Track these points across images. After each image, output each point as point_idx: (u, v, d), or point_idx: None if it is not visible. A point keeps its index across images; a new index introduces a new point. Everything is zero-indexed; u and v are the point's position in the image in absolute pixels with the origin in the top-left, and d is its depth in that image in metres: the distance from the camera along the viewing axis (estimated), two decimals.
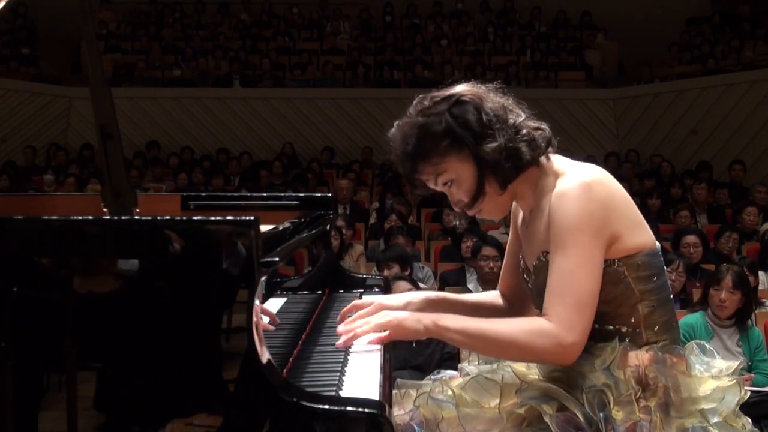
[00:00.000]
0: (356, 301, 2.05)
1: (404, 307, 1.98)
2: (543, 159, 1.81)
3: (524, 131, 1.77)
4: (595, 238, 1.68)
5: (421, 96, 1.83)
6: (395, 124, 1.83)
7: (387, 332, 1.78)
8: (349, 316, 1.93)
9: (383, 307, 1.92)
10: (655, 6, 13.56)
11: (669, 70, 12.26)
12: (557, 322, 1.67)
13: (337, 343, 1.84)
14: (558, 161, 1.82)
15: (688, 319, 4.29)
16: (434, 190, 1.86)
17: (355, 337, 1.80)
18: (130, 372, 1.47)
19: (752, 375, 4.15)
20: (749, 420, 1.80)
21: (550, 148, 1.81)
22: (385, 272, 4.92)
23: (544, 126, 1.82)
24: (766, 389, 4.09)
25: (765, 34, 12.13)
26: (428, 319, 1.77)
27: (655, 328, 1.79)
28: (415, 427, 1.83)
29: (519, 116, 1.80)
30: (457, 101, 1.77)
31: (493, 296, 2.18)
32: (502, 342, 1.71)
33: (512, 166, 1.76)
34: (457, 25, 13.66)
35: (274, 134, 11.78)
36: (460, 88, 1.81)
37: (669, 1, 13.59)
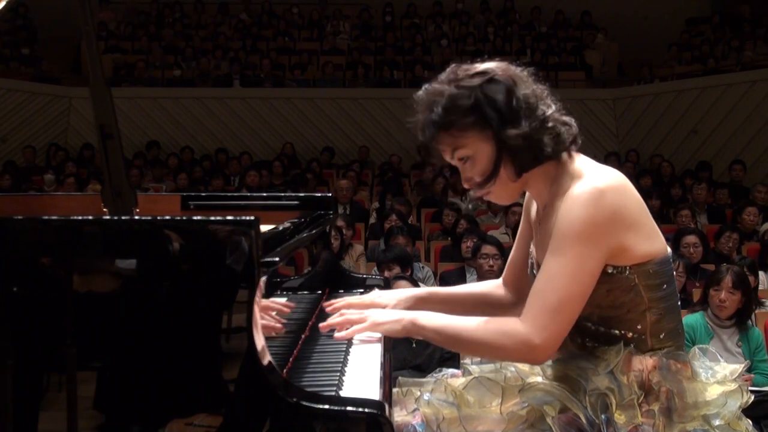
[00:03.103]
0: (349, 299, 2.06)
1: (395, 305, 1.99)
2: (565, 156, 1.78)
3: (551, 124, 1.74)
4: (593, 247, 1.66)
5: (455, 65, 1.80)
6: (423, 87, 1.80)
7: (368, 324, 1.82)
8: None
9: (372, 305, 1.96)
10: (655, 6, 13.56)
11: (669, 70, 12.26)
12: (529, 322, 1.66)
13: (320, 325, 1.92)
14: (580, 162, 1.79)
15: (688, 319, 4.28)
16: (448, 163, 1.84)
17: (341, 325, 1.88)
18: (130, 372, 1.47)
19: (752, 375, 4.15)
20: (750, 422, 1.79)
21: (573, 146, 1.79)
22: (386, 273, 4.92)
23: (572, 122, 1.79)
24: (766, 389, 4.08)
25: (765, 34, 12.14)
26: (407, 318, 1.80)
27: (661, 336, 1.77)
28: (417, 427, 1.83)
29: (549, 107, 1.77)
30: (491, 79, 1.74)
31: (489, 287, 2.16)
32: (475, 342, 1.73)
33: (532, 156, 1.74)
34: (457, 25, 13.66)
35: (274, 134, 11.78)
36: (495, 65, 1.78)
37: (669, 1, 13.59)
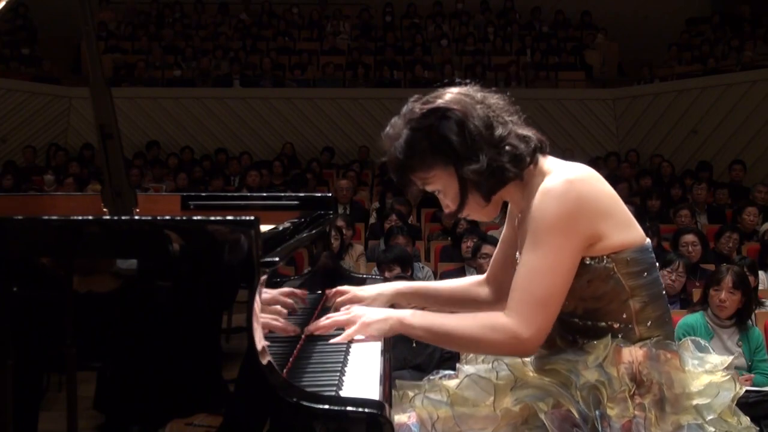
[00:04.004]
0: (338, 288, 2.15)
1: (375, 298, 2.07)
2: (531, 166, 1.82)
3: (508, 148, 1.78)
4: (569, 239, 1.70)
5: (415, 97, 1.86)
6: (389, 124, 1.86)
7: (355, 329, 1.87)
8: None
9: (357, 299, 2.05)
10: (655, 6, 13.56)
11: (669, 70, 12.26)
12: (516, 317, 1.71)
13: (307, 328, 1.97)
14: (548, 162, 1.83)
15: (688, 319, 4.29)
16: (427, 191, 1.91)
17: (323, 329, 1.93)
18: (130, 372, 1.47)
19: (752, 375, 4.15)
20: (748, 419, 1.80)
21: (538, 156, 1.82)
22: (386, 273, 4.91)
23: (531, 134, 1.83)
24: (766, 389, 4.09)
25: (765, 34, 12.14)
26: (395, 317, 1.85)
27: (648, 324, 1.79)
28: (411, 428, 1.84)
29: (506, 126, 1.80)
30: (443, 116, 1.78)
31: (471, 283, 2.21)
32: (464, 338, 1.77)
33: (496, 182, 1.80)
34: (457, 25, 13.67)
35: (274, 134, 11.78)
36: (449, 98, 1.82)
37: (669, 1, 13.59)
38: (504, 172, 1.78)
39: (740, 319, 4.25)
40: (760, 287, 5.44)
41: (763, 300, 5.15)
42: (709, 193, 8.59)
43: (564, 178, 1.73)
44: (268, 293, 1.64)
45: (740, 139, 10.79)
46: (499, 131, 1.79)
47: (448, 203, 1.87)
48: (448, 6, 13.84)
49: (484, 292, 2.16)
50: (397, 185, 1.91)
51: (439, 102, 1.81)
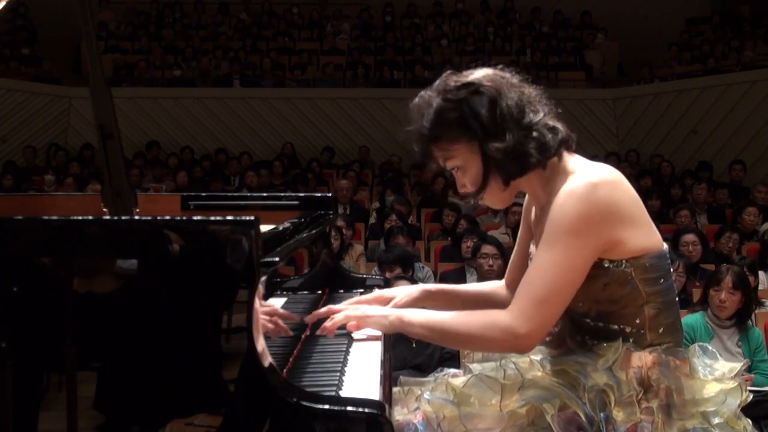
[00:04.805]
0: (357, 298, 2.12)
1: (402, 298, 2.06)
2: (555, 159, 1.80)
3: (535, 134, 1.76)
4: (584, 241, 1.69)
5: (450, 72, 1.85)
6: (418, 95, 1.85)
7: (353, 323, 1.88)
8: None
9: (383, 299, 2.04)
10: (655, 6, 13.57)
11: (669, 70, 12.26)
12: (515, 312, 1.70)
13: (306, 317, 1.99)
14: (573, 161, 1.82)
15: (688, 319, 4.28)
16: (445, 168, 1.89)
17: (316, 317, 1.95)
18: (130, 372, 1.47)
19: (752, 375, 4.15)
20: (749, 422, 1.80)
21: (562, 150, 1.80)
22: (387, 273, 4.91)
23: (561, 127, 1.81)
24: (766, 389, 4.08)
25: (765, 34, 12.14)
26: (394, 315, 1.85)
27: (660, 330, 1.79)
28: (418, 426, 1.83)
29: (537, 114, 1.79)
30: (476, 91, 1.77)
31: (495, 287, 2.21)
32: (461, 334, 1.77)
33: (518, 166, 1.78)
34: (457, 25, 13.67)
35: (274, 134, 11.78)
36: (482, 75, 1.81)
37: (669, 1, 13.60)
38: (528, 157, 1.76)
39: (740, 320, 4.25)
40: (760, 287, 5.43)
41: (763, 300, 5.15)
42: (709, 193, 8.59)
43: (587, 181, 1.71)
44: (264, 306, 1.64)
45: (740, 139, 10.79)
46: (530, 117, 1.78)
47: (465, 182, 1.84)
48: (448, 6, 13.84)
49: (507, 295, 2.14)
50: (419, 155, 1.87)
51: (474, 77, 1.80)
